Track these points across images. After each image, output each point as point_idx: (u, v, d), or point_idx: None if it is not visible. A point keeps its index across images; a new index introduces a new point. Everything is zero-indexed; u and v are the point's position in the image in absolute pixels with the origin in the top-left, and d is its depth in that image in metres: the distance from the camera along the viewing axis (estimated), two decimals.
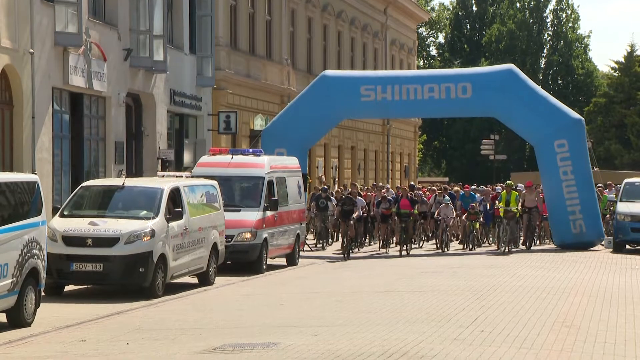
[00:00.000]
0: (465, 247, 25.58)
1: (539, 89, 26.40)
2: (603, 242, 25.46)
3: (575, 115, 25.81)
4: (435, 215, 25.34)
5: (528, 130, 25.67)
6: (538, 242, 26.52)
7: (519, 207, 24.60)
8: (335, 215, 25.07)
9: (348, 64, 40.77)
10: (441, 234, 25.13)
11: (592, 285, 16.16)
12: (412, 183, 33.22)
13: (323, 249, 25.47)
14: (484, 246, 26.38)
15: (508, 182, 24.87)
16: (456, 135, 64.50)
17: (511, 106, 25.07)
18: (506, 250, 23.20)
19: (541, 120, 24.75)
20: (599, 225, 25.17)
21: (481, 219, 25.92)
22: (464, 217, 25.68)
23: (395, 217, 24.49)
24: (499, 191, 26.12)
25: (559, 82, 68.22)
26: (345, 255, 22.84)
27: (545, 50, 68.17)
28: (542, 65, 68.06)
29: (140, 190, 16.11)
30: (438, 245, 25.41)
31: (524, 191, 25.88)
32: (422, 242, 26.38)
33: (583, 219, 24.55)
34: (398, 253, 23.82)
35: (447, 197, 26.40)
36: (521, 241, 25.52)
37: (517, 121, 25.68)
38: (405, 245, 23.95)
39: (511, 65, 26.54)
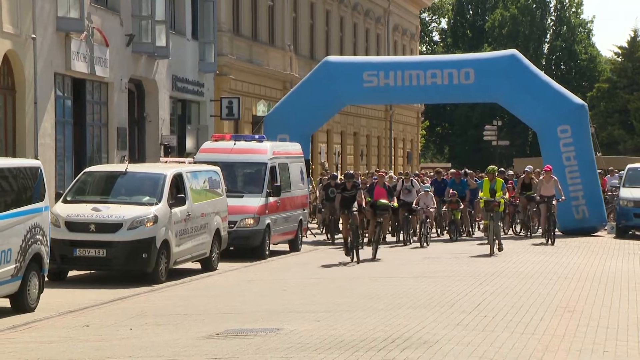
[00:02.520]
0: (447, 235, 23.33)
1: (542, 74, 26.32)
2: (606, 228, 25.46)
3: (578, 100, 25.76)
4: (414, 205, 21.95)
5: (531, 115, 25.62)
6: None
7: (536, 195, 22.21)
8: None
9: (350, 50, 40.67)
10: (420, 226, 21.65)
11: (595, 271, 16.17)
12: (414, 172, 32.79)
13: (332, 243, 22.60)
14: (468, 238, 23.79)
15: (490, 167, 20.03)
16: (459, 121, 64.40)
17: (514, 92, 25.01)
18: (493, 252, 18.89)
19: (544, 105, 24.69)
20: (601, 210, 25.17)
21: (462, 206, 23.49)
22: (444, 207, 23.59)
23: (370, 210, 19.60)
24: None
25: (562, 67, 68.02)
26: (352, 255, 18.15)
27: (548, 36, 67.93)
28: (545, 51, 67.85)
29: (143, 176, 16.11)
30: (417, 239, 21.97)
31: (541, 177, 22.87)
32: (408, 239, 22.23)
33: (586, 204, 24.54)
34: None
35: (427, 185, 23.28)
36: (537, 232, 23.22)
37: (520, 107, 25.62)
38: (377, 246, 18.80)
39: (514, 51, 26.46)
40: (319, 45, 37.87)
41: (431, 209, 22.35)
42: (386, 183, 20.04)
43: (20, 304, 12.10)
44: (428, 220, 21.95)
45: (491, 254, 18.87)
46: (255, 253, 19.06)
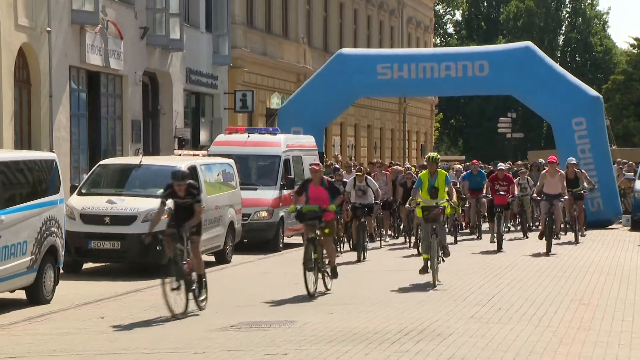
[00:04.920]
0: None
1: (556, 66, 26.21)
2: (621, 220, 25.34)
3: (593, 92, 25.62)
4: (408, 205, 17.17)
5: (546, 108, 25.51)
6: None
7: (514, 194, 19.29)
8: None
9: (364, 42, 40.58)
10: (415, 227, 17.60)
11: (610, 263, 16.09)
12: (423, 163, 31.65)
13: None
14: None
15: (431, 154, 13.99)
16: (473, 113, 64.17)
17: (529, 84, 24.90)
18: (436, 284, 13.18)
19: (559, 98, 24.58)
20: (616, 203, 25.05)
21: (467, 204, 20.90)
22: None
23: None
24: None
25: (577, 59, 67.64)
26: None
27: (563, 28, 67.54)
28: (560, 43, 67.47)
29: (157, 169, 16.14)
30: (407, 241, 19.47)
31: (545, 171, 18.89)
32: (380, 240, 19.64)
33: (601, 196, 24.43)
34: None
35: (420, 179, 18.84)
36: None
37: (535, 99, 25.51)
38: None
39: (529, 43, 26.35)
40: (333, 38, 37.80)
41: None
42: (326, 179, 13.42)
43: (36, 296, 12.17)
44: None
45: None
46: (269, 246, 19.07)
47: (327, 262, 12.84)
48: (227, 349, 8.85)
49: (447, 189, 13.60)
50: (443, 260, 13.71)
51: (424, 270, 13.41)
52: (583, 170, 22.16)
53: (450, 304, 11.45)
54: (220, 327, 10.05)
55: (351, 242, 18.61)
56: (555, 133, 25.60)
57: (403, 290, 12.88)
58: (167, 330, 10.09)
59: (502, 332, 9.57)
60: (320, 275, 12.65)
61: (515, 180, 20.75)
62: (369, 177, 18.49)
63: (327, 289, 12.74)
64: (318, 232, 12.55)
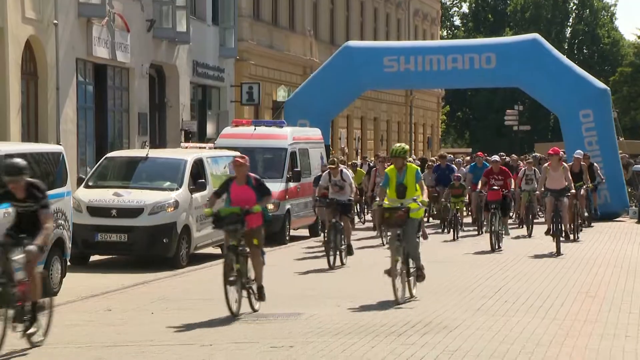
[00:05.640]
0: (452, 232, 19.14)
1: (564, 58, 26.13)
2: (628, 213, 25.28)
3: (600, 85, 25.53)
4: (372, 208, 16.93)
5: (553, 100, 25.44)
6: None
7: (515, 188, 18.15)
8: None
9: (371, 35, 40.50)
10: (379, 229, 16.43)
11: (617, 256, 16.04)
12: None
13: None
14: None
15: (397, 145, 11.55)
16: (480, 105, 64.01)
17: (536, 76, 24.82)
18: (400, 301, 10.88)
19: (566, 90, 24.51)
20: (624, 195, 24.98)
21: (466, 199, 19.80)
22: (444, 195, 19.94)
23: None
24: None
25: (585, 51, 67.38)
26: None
27: (570, 20, 67.28)
28: (568, 35, 67.22)
29: (163, 162, 16.15)
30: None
31: (547, 164, 17.19)
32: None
33: (608, 189, 24.36)
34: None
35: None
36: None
37: (542, 91, 25.44)
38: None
39: (536, 35, 26.26)
40: (340, 30, 37.74)
41: None
42: (253, 177, 10.79)
43: (43, 288, 12.17)
44: None
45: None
46: (275, 238, 19.05)
47: (252, 278, 10.43)
48: (234, 341, 8.85)
49: (419, 185, 11.34)
50: (417, 280, 11.28)
51: (390, 272, 10.93)
52: (596, 164, 22.02)
53: (456, 296, 11.43)
54: (227, 320, 10.04)
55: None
56: (562, 125, 25.53)
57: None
58: (174, 322, 10.09)
59: (509, 324, 9.55)
60: (245, 293, 10.31)
61: (521, 171, 20.30)
62: (344, 170, 15.87)
63: (254, 310, 10.37)
64: (243, 241, 10.30)
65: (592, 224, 21.58)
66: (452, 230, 19.50)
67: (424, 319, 9.82)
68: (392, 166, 11.47)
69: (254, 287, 10.49)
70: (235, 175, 10.75)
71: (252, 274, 10.46)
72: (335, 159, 15.85)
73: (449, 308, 10.53)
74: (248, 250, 10.34)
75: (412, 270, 11.25)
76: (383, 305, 10.76)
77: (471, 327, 9.37)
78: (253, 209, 10.35)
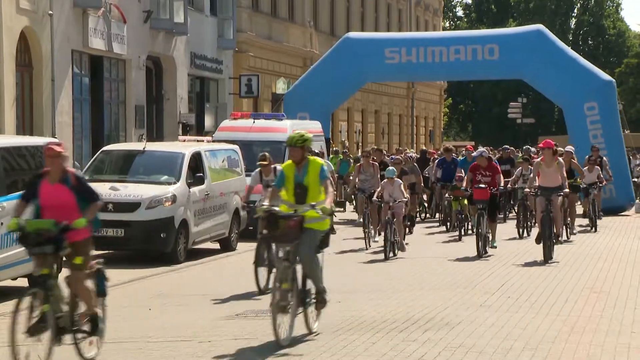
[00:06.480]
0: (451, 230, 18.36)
1: (568, 50, 25.91)
2: (634, 207, 25.08)
3: (605, 76, 25.29)
4: (374, 198, 15.62)
5: (557, 92, 25.22)
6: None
7: (510, 186, 16.69)
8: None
9: (372, 26, 40.26)
10: (385, 227, 14.87)
11: (622, 251, 15.86)
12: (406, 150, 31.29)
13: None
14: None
15: (294, 134, 8.65)
16: (483, 98, 63.83)
17: (540, 68, 24.59)
18: (282, 343, 8.22)
19: (571, 82, 24.28)
20: (629, 189, 24.78)
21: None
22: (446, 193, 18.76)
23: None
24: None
25: (590, 42, 67.13)
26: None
27: (575, 10, 67.02)
28: (572, 26, 66.99)
29: (161, 155, 15.96)
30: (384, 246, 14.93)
31: (539, 159, 15.41)
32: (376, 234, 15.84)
33: (613, 183, 24.13)
34: None
35: (392, 169, 15.70)
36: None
37: (546, 83, 25.21)
38: None
39: (540, 26, 26.03)
40: (340, 22, 37.49)
41: (399, 202, 15.02)
42: (72, 173, 7.98)
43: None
44: (395, 220, 14.84)
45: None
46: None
47: (77, 316, 7.63)
48: (233, 337, 8.72)
49: (324, 186, 8.48)
50: (316, 307, 8.71)
51: (272, 305, 8.15)
52: (605, 159, 21.53)
53: (459, 292, 11.26)
54: (225, 315, 9.92)
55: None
56: (566, 118, 25.32)
57: (411, 278, 12.68)
58: (173, 318, 9.94)
59: (512, 320, 9.40)
60: (72, 339, 7.52)
61: (518, 170, 18.68)
62: (278, 167, 11.97)
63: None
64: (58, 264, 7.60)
65: (576, 231, 19.15)
66: (457, 228, 18.15)
67: (425, 314, 9.67)
68: (289, 161, 8.59)
69: (87, 327, 7.63)
70: (46, 169, 7.51)
71: (81, 307, 7.62)
72: (266, 154, 12.72)
73: (451, 304, 10.39)
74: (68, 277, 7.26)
75: (310, 299, 8.52)
76: (384, 301, 10.61)
77: (473, 323, 9.23)
78: (74, 225, 7.35)
